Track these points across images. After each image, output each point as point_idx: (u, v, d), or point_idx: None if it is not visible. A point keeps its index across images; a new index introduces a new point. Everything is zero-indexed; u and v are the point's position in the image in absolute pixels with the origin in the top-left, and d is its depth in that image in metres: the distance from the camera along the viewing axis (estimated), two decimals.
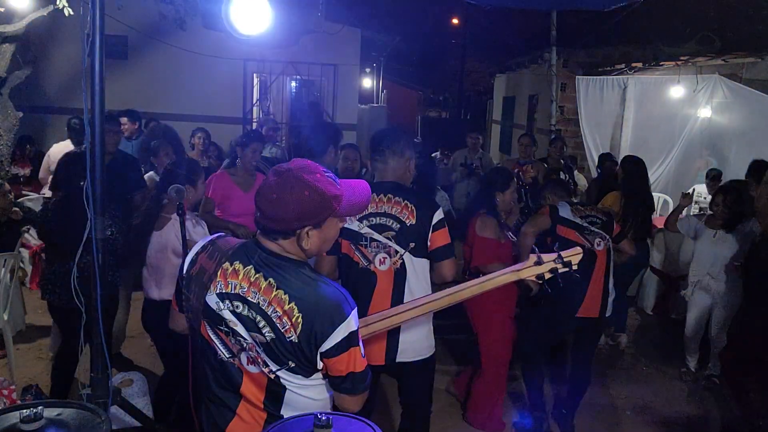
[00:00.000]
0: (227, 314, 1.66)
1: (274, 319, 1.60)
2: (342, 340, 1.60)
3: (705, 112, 7.46)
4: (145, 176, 4.69)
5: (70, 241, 3.23)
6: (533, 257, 2.11)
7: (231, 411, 1.72)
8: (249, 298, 1.63)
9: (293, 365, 1.63)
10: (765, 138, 6.72)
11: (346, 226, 2.64)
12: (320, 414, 1.39)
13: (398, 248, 2.64)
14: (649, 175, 6.09)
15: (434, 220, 2.64)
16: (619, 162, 5.75)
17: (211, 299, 1.68)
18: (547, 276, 2.12)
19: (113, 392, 2.30)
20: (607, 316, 3.82)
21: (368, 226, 2.65)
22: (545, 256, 2.11)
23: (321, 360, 1.63)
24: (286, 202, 1.60)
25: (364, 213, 2.62)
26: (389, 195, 2.66)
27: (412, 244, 2.64)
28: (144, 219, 3.36)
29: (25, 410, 1.45)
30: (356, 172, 4.22)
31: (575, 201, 4.03)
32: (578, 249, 2.17)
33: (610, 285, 3.81)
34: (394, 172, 2.71)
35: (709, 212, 4.68)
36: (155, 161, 4.75)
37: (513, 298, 3.83)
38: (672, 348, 5.19)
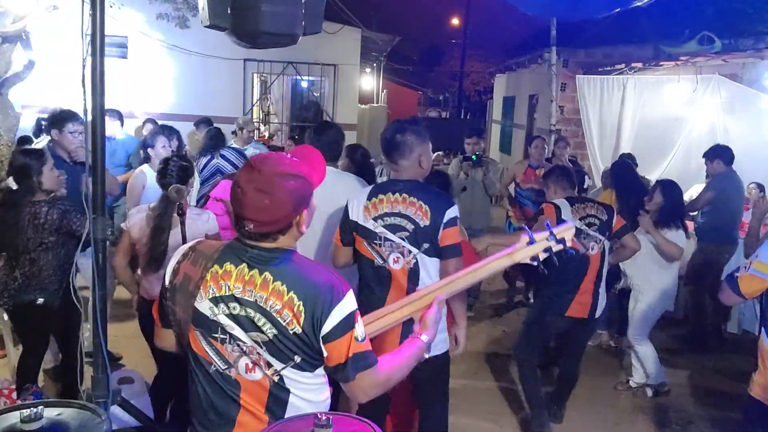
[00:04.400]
0: (223, 318, 1.62)
1: (274, 314, 1.58)
2: (341, 321, 1.58)
3: (705, 112, 7.46)
4: (138, 168, 4.70)
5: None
6: (525, 237, 2.02)
7: (230, 425, 1.66)
8: (245, 297, 1.60)
9: (299, 360, 1.60)
10: (765, 138, 6.72)
11: (360, 223, 2.69)
12: (320, 414, 1.39)
13: (411, 248, 2.64)
14: (648, 174, 6.09)
15: (446, 218, 2.62)
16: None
17: (204, 305, 1.64)
18: (542, 256, 2.03)
19: (113, 392, 2.30)
20: (596, 317, 3.81)
21: (383, 226, 2.66)
22: (537, 236, 2.02)
23: (324, 346, 1.60)
24: (281, 201, 1.59)
25: (379, 212, 2.67)
26: (404, 195, 2.66)
27: (425, 245, 2.64)
28: (156, 221, 3.32)
29: (25, 410, 1.45)
30: None
31: (576, 196, 3.97)
32: (570, 225, 2.09)
33: (601, 288, 3.78)
34: (407, 172, 2.72)
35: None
36: (152, 153, 4.74)
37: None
38: (672, 347, 5.21)
